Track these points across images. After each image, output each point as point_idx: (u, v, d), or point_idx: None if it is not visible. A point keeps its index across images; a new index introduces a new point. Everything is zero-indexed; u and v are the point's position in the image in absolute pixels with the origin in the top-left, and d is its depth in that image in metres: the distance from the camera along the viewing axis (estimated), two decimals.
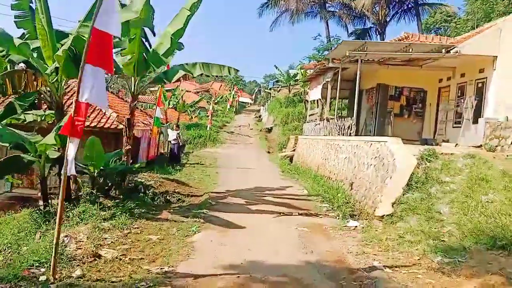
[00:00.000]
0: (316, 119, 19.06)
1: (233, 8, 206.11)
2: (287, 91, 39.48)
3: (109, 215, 7.32)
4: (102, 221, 6.96)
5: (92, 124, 12.84)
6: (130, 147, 9.89)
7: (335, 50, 15.97)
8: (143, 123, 16.82)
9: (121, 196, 8.77)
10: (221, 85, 61.73)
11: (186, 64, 10.27)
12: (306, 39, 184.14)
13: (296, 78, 39.00)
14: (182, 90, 34.57)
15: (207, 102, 32.67)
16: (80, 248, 5.53)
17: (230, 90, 57.15)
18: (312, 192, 12.21)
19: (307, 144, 19.34)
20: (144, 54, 9.36)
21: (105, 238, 6.23)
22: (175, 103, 29.45)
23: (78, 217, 7.06)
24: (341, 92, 17.15)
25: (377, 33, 33.31)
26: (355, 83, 14.25)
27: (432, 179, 8.16)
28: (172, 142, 18.03)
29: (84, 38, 6.09)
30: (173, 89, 29.96)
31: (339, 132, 15.02)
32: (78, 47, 6.99)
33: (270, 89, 43.21)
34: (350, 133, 13.94)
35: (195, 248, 6.21)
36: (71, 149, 4.74)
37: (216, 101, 38.18)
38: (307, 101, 27.15)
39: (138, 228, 7.06)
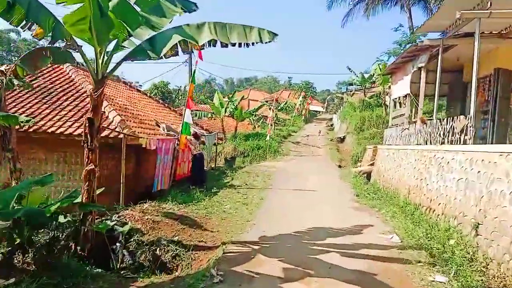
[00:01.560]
0: (403, 123, 13.87)
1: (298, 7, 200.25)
2: (362, 95, 33.99)
3: None
4: None
5: (77, 131, 9.24)
6: (93, 167, 5.87)
7: (436, 13, 10.75)
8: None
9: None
10: (290, 93, 57.47)
11: (188, 25, 6.10)
12: (382, 37, 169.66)
13: (372, 80, 33.47)
14: (244, 98, 31.08)
15: (269, 109, 28.40)
16: None
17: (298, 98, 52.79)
18: (406, 239, 7.26)
19: (391, 156, 14.18)
20: (104, 7, 5.30)
21: None
22: (232, 110, 25.70)
23: None
24: (435, 87, 11.90)
25: None
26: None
27: None
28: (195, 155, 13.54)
29: None
30: (230, 95, 26.30)
31: (443, 138, 9.83)
32: None
33: (343, 93, 37.93)
34: (465, 140, 8.73)
35: None
36: None
37: (279, 107, 33.76)
38: (388, 101, 21.77)
39: None
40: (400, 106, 15.15)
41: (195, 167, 12.47)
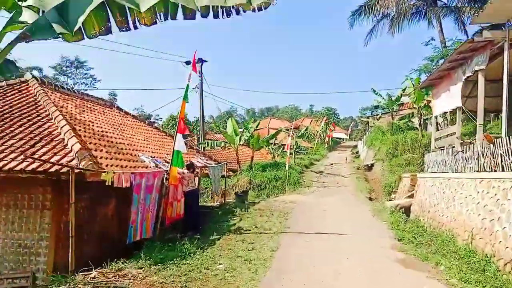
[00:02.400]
0: (451, 145, 10.93)
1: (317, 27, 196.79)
2: (389, 118, 30.96)
3: None
4: None
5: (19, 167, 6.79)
6: None
7: None
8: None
9: None
10: (312, 120, 54.76)
11: None
12: (409, 55, 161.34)
13: (400, 102, 30.51)
14: (258, 128, 28.57)
15: (288, 135, 25.65)
16: None
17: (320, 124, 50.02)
18: None
19: (437, 187, 11.15)
20: None
21: None
22: (247, 138, 23.16)
23: None
24: (486, 101, 9.02)
25: None
26: None
27: None
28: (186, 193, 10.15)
29: None
30: (245, 120, 23.85)
31: None
32: None
33: (368, 117, 34.96)
34: None
35: None
36: None
37: (299, 134, 31.03)
38: (430, 120, 18.80)
39: None
40: (447, 125, 12.20)
41: (186, 208, 9.76)
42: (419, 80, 17.02)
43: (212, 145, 23.01)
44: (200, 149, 23.40)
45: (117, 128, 11.27)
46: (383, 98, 31.03)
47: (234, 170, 23.39)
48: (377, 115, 33.19)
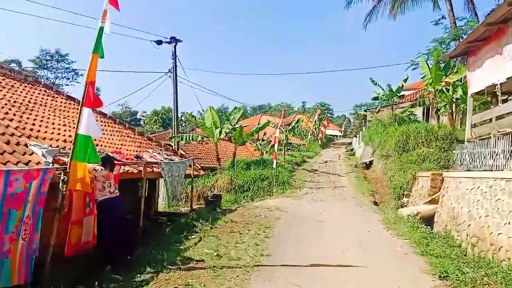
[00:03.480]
0: (501, 132, 7.44)
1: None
2: (389, 112, 27.51)
3: None
4: None
5: None
6: None
7: None
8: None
9: None
10: (304, 116, 51.23)
11: None
12: (412, 43, 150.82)
13: (401, 94, 27.06)
14: (252, 124, 24.98)
15: (275, 127, 21.71)
16: None
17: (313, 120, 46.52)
18: None
19: (484, 192, 7.64)
20: None
21: None
22: (228, 131, 19.46)
23: None
24: None
25: None
26: None
27: None
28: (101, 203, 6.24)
29: None
30: (223, 109, 20.22)
31: None
32: None
33: (365, 111, 31.44)
34: None
35: None
36: None
37: (290, 128, 27.33)
38: (443, 108, 15.34)
39: None
40: (496, 103, 8.67)
41: (103, 228, 6.03)
42: (438, 54, 13.46)
43: (188, 139, 19.28)
44: (174, 144, 19.74)
45: (16, 108, 7.55)
46: (382, 89, 27.57)
47: (214, 168, 19.76)
48: (375, 108, 29.69)
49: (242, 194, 17.17)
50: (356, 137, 41.52)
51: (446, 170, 10.96)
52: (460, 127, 14.16)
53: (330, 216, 11.01)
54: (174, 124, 19.97)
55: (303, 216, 11.06)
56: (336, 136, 56.48)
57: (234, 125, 19.45)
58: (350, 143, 45.82)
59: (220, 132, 19.40)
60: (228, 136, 21.15)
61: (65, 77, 69.45)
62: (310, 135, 38.08)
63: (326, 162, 27.24)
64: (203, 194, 18.51)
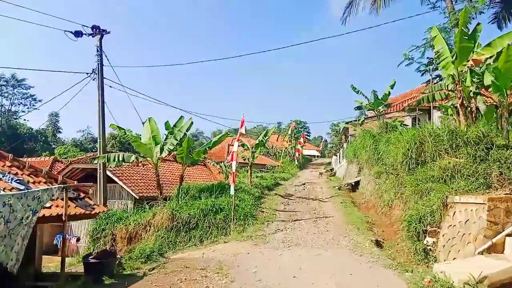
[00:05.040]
0: None
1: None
2: (373, 124, 22.85)
3: None
4: None
5: None
6: None
7: None
8: None
9: None
10: (279, 136, 46.46)
11: None
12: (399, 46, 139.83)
13: (387, 103, 22.55)
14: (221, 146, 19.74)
15: (236, 140, 16.15)
16: None
17: (290, 141, 41.78)
18: None
19: None
20: None
21: None
22: (172, 148, 14.14)
23: None
24: None
25: None
26: None
27: None
28: None
29: None
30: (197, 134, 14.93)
31: None
32: None
33: (347, 123, 26.77)
34: None
35: None
36: None
37: (259, 142, 21.83)
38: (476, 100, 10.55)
39: None
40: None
41: None
42: (466, 14, 8.73)
43: (117, 160, 13.92)
44: (99, 168, 14.32)
45: None
46: (365, 98, 23.07)
47: (154, 198, 14.39)
48: (359, 120, 25.07)
49: (188, 234, 11.85)
50: (336, 155, 36.95)
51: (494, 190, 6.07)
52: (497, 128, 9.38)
53: (312, 276, 5.81)
54: (100, 141, 14.60)
55: (268, 285, 5.80)
56: (314, 156, 51.95)
57: (181, 139, 14.17)
58: (329, 163, 41.32)
59: (162, 150, 14.12)
60: (173, 154, 15.82)
61: (21, 103, 63.06)
62: (285, 154, 33.16)
63: (304, 184, 22.17)
64: (135, 236, 13.15)
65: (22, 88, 62.16)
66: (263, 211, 13.97)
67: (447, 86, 9.93)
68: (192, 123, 14.47)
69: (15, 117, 60.41)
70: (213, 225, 12.06)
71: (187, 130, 14.32)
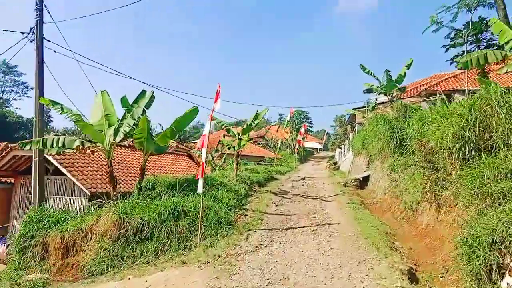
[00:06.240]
0: None
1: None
2: (386, 110, 19.07)
3: None
4: None
5: None
6: None
7: None
8: None
9: None
10: (279, 126, 42.89)
11: None
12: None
13: (401, 87, 18.77)
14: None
15: (209, 119, 12.25)
16: None
17: (291, 131, 38.34)
18: None
19: None
20: None
21: None
22: (128, 130, 10.61)
23: None
24: None
25: None
26: None
27: None
28: None
29: None
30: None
31: None
32: None
33: (354, 109, 23.01)
34: None
35: None
36: None
37: (247, 124, 17.77)
38: None
39: None
40: None
41: None
42: None
43: (57, 145, 10.44)
44: (34, 154, 10.87)
45: None
46: (377, 79, 19.40)
47: (108, 194, 10.88)
48: (368, 105, 21.38)
49: (140, 246, 8.41)
50: (340, 148, 33.37)
51: None
52: None
53: None
54: (36, 120, 11.09)
55: None
56: (317, 149, 48.30)
57: (139, 118, 10.59)
58: (333, 156, 37.81)
59: (116, 133, 10.57)
60: (131, 139, 12.26)
61: (13, 90, 59.73)
62: (285, 146, 29.61)
63: (303, 179, 18.63)
64: (73, 246, 9.67)
65: (14, 75, 58.76)
66: (246, 215, 10.43)
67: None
68: (153, 97, 10.88)
69: (6, 105, 57.17)
70: (173, 235, 8.57)
71: (146, 107, 10.74)
